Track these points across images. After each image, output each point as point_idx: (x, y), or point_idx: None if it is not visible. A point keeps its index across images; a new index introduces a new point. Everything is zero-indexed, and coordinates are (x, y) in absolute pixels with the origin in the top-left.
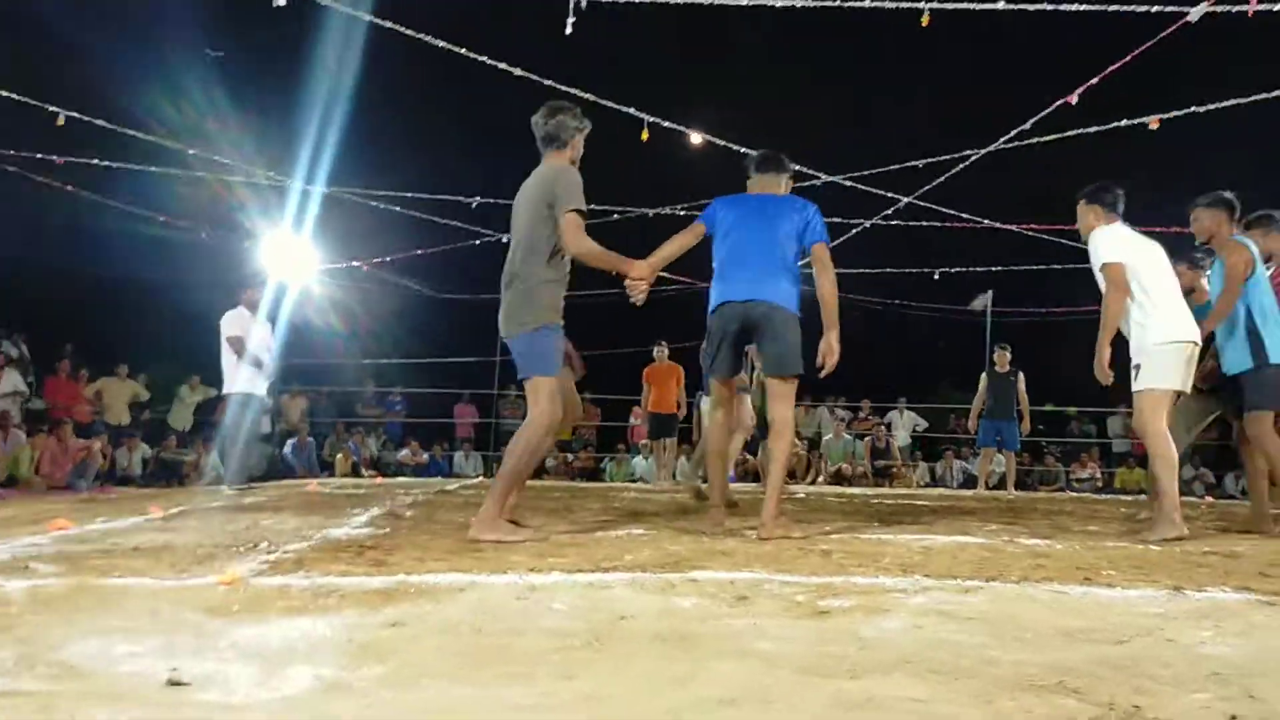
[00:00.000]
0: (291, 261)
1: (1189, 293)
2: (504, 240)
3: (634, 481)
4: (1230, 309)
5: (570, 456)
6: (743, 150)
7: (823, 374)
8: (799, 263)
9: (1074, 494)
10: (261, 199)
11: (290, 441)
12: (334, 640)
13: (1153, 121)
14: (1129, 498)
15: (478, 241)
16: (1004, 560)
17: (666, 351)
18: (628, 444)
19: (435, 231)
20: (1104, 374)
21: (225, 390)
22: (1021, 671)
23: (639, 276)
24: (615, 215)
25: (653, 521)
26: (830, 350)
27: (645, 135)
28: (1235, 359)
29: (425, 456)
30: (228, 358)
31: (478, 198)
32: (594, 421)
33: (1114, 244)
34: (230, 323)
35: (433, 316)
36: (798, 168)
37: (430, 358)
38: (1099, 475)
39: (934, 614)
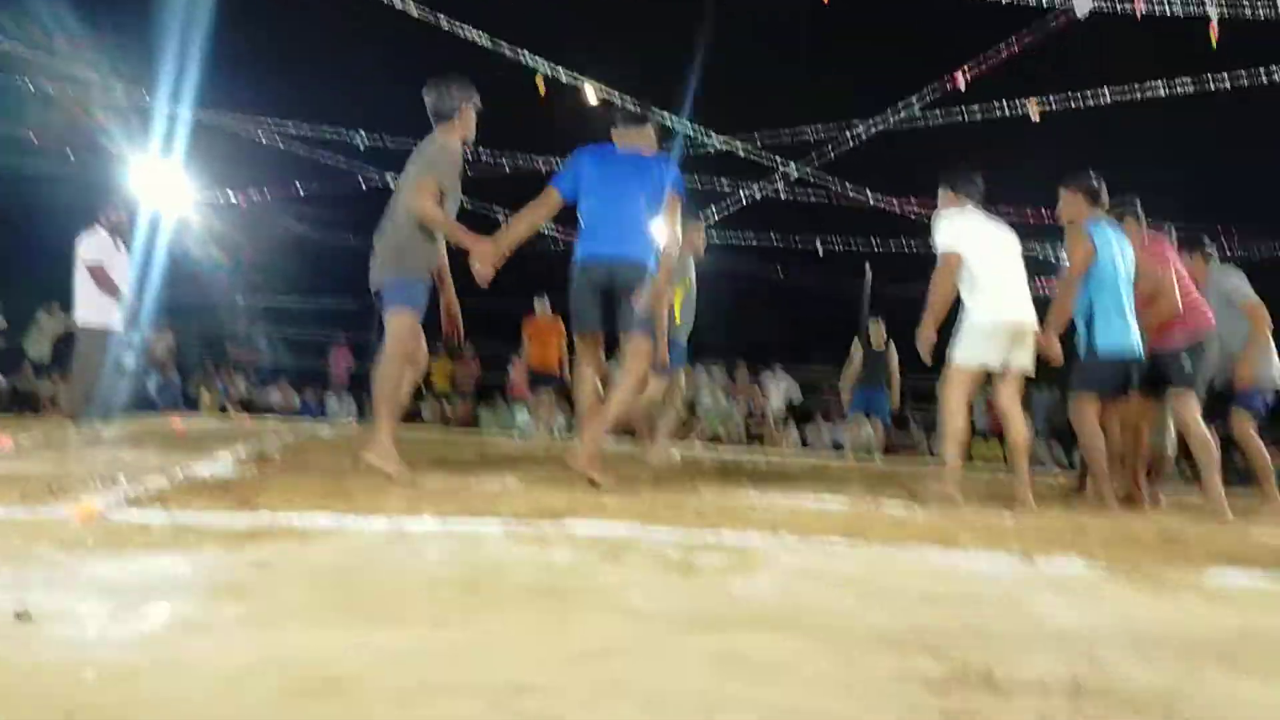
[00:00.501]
0: (162, 191)
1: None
2: (390, 181)
3: (512, 434)
4: (1066, 298)
5: (447, 407)
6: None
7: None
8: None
9: (935, 463)
10: (128, 123)
11: (155, 377)
12: (194, 579)
13: (1034, 109)
14: (984, 465)
15: (363, 183)
16: (868, 524)
17: (548, 304)
18: (506, 396)
19: (318, 171)
20: (925, 354)
21: (80, 321)
22: (881, 630)
23: (484, 261)
24: (508, 168)
25: (528, 474)
26: (659, 295)
27: (541, 87)
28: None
29: (297, 399)
30: (83, 285)
31: (361, 133)
32: (472, 372)
33: (951, 231)
34: (89, 246)
35: (313, 257)
36: (692, 131)
37: (307, 299)
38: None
39: (801, 573)
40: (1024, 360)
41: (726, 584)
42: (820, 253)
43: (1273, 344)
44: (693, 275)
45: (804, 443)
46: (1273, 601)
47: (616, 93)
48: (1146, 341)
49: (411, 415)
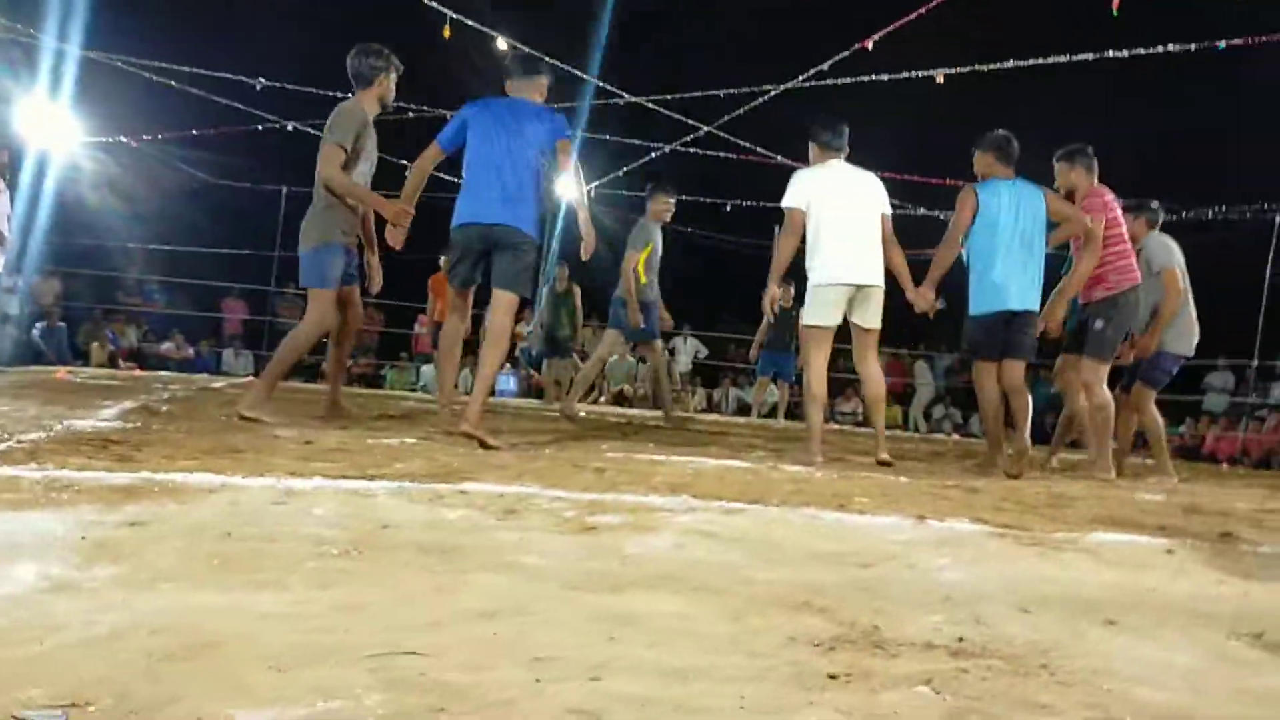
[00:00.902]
0: (49, 131)
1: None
2: (290, 128)
3: (415, 390)
4: (940, 256)
5: (350, 362)
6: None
7: (585, 256)
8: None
9: (837, 425)
10: (12, 59)
11: (39, 325)
12: (65, 537)
13: (939, 76)
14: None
15: (260, 127)
16: (767, 485)
17: None
18: (410, 352)
19: (213, 112)
20: (766, 310)
21: None
22: (774, 590)
23: (398, 220)
24: (410, 113)
25: (428, 431)
26: (588, 240)
27: (448, 32)
28: None
29: (191, 351)
30: None
31: (261, 80)
32: (376, 327)
33: (798, 188)
34: None
35: (208, 203)
36: (603, 84)
37: (202, 247)
38: (860, 410)
39: (698, 533)
40: (870, 319)
41: (622, 544)
42: (729, 210)
43: (1190, 312)
44: (658, 240)
45: (710, 403)
46: (1150, 561)
47: (525, 47)
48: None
49: (312, 370)
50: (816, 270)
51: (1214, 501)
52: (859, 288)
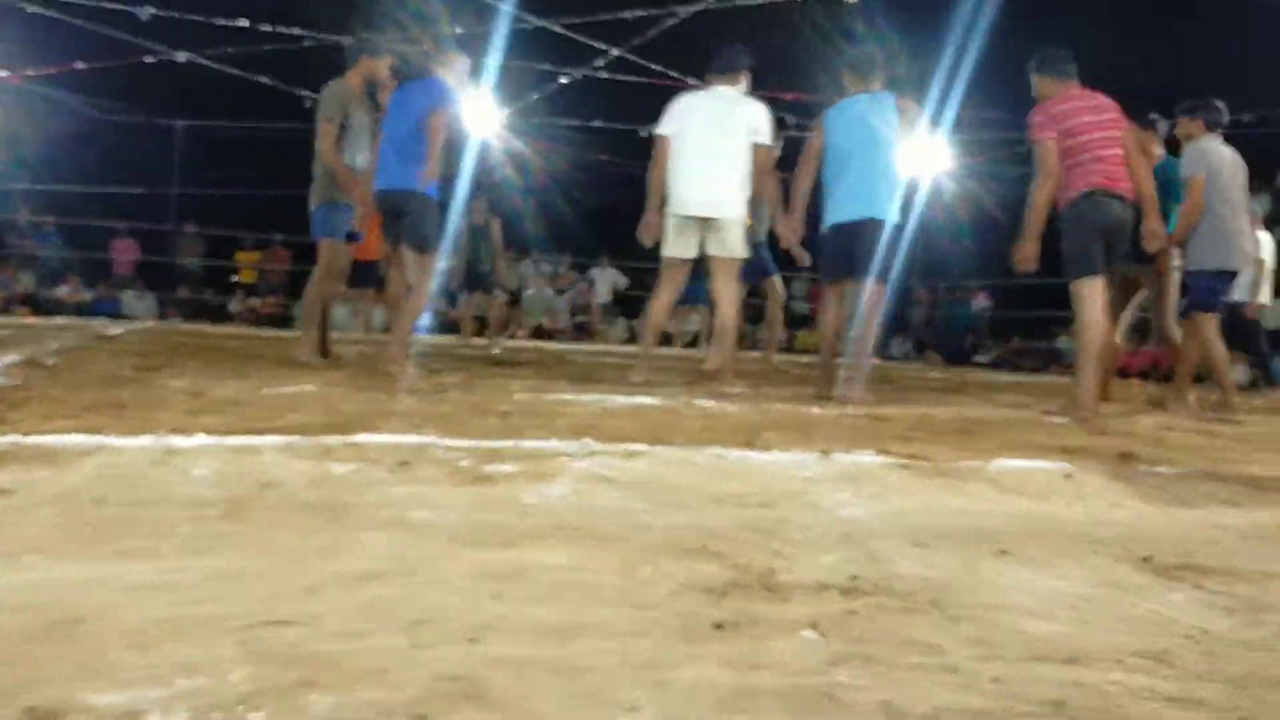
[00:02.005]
0: None
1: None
2: (179, 59)
3: None
4: (795, 183)
5: (256, 302)
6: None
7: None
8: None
9: (758, 353)
10: None
11: None
12: None
13: None
14: (807, 358)
15: (149, 59)
16: (676, 422)
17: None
18: None
19: (98, 44)
20: (642, 239)
21: None
22: (670, 536)
23: (363, 202)
24: (306, 41)
25: (330, 376)
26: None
27: None
28: None
29: (89, 295)
30: None
31: (150, 9)
32: (284, 265)
33: (666, 115)
34: None
35: (99, 141)
36: (508, 8)
37: (94, 186)
38: (783, 337)
39: (596, 479)
40: (718, 248)
41: (517, 494)
42: (645, 136)
43: (1228, 224)
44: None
45: (632, 335)
46: (1050, 487)
47: None
48: None
49: (218, 311)
50: (669, 201)
51: (1119, 421)
52: (704, 219)
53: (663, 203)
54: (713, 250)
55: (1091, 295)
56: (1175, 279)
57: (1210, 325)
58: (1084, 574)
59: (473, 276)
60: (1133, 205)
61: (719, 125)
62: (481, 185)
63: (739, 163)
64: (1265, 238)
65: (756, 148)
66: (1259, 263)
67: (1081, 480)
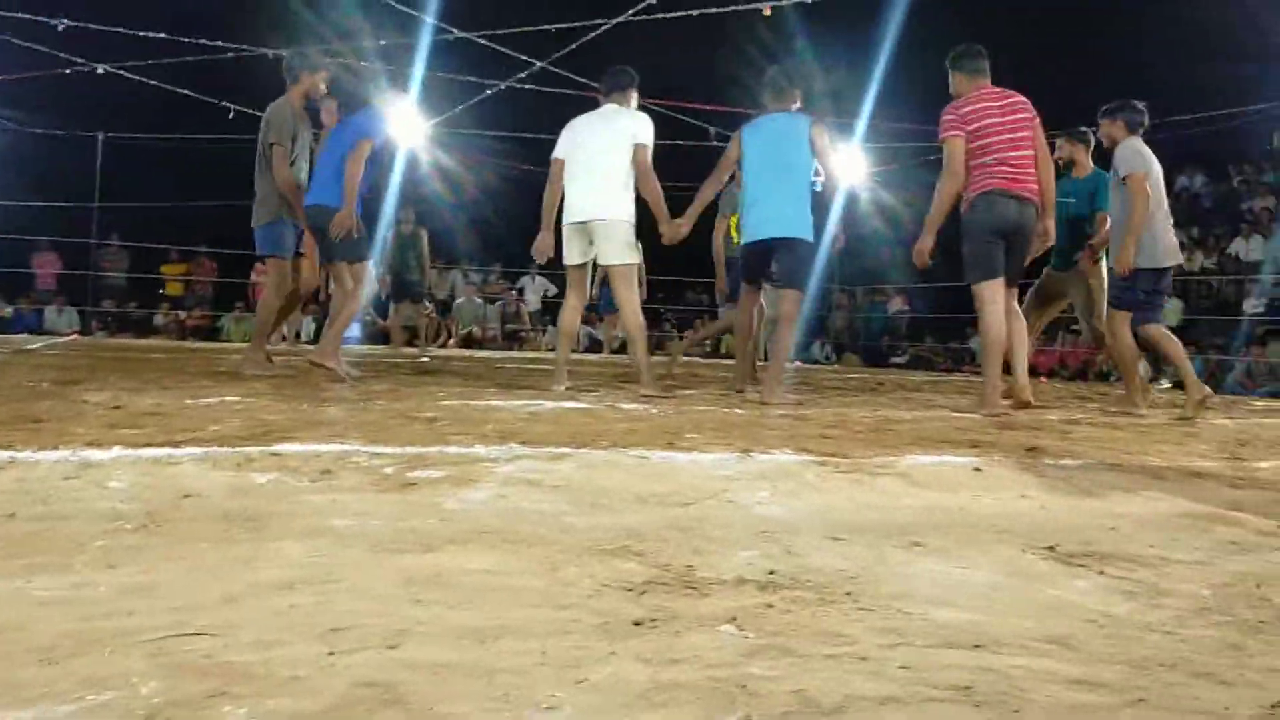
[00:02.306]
0: None
1: (1070, 165)
2: (99, 71)
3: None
4: (706, 191)
5: (182, 314)
6: None
7: (337, 236)
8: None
9: (686, 358)
10: None
11: None
12: None
13: (765, 8)
14: (730, 362)
15: (68, 71)
16: (602, 425)
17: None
18: (248, 302)
19: (15, 55)
20: (536, 255)
21: None
22: (593, 537)
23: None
24: (231, 53)
25: (255, 387)
26: (345, 219)
27: None
28: None
29: (9, 310)
30: None
31: (64, 20)
32: (210, 277)
33: (561, 137)
34: None
35: (17, 153)
36: (431, 20)
37: (13, 200)
38: (709, 341)
39: (521, 483)
40: (607, 257)
41: (440, 500)
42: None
43: (1158, 223)
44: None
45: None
46: (959, 481)
47: None
48: None
49: (143, 324)
50: (563, 213)
51: (1027, 416)
52: (585, 224)
53: (559, 220)
54: (601, 259)
55: (992, 297)
56: (1103, 280)
57: (1124, 322)
58: (991, 563)
59: (401, 286)
60: (1035, 205)
61: (601, 138)
62: (409, 196)
63: (618, 170)
64: None
65: (635, 148)
66: None
67: (990, 473)
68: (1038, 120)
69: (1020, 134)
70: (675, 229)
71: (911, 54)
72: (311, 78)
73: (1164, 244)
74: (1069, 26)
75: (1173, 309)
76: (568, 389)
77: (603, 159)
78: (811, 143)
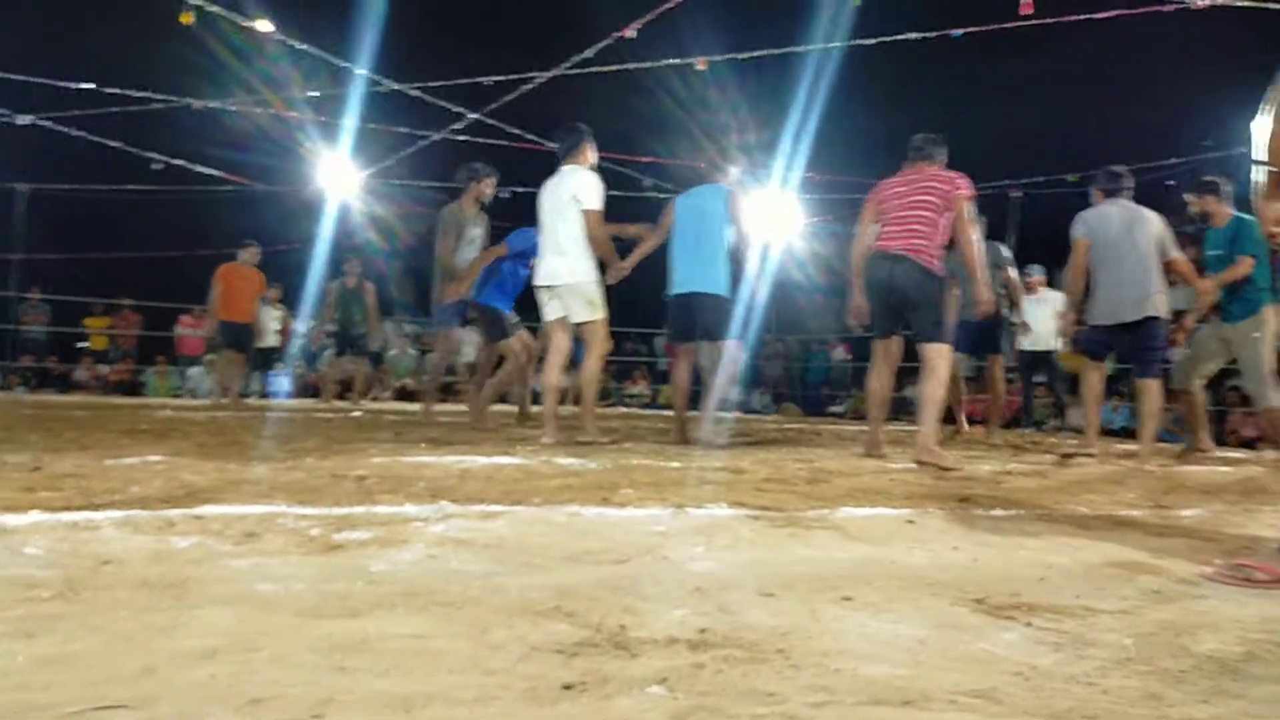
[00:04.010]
0: None
1: (1205, 217)
2: (21, 122)
3: (178, 397)
4: (645, 247)
5: (105, 369)
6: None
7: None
8: None
9: (625, 409)
10: None
11: None
12: None
13: (700, 63)
14: (669, 412)
15: None
16: (536, 481)
17: (258, 252)
18: (173, 354)
19: None
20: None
21: None
22: (524, 597)
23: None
24: (156, 104)
25: (179, 445)
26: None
27: (187, 18)
28: None
29: None
30: None
31: None
32: (133, 330)
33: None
34: None
35: None
36: (363, 72)
37: None
38: (648, 391)
39: (451, 543)
40: (573, 315)
41: (368, 561)
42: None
43: (1106, 280)
44: None
45: (500, 398)
46: (892, 533)
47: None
48: None
49: (64, 380)
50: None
51: (961, 466)
52: (550, 288)
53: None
54: (570, 318)
55: (874, 353)
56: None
57: (1092, 370)
58: (921, 616)
59: (345, 340)
60: (912, 260)
61: (551, 201)
62: (356, 248)
63: (569, 233)
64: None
65: (586, 214)
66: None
67: (922, 525)
68: (962, 193)
69: (918, 199)
70: (618, 274)
71: (843, 110)
72: (478, 186)
73: (1102, 300)
74: (993, 81)
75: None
76: (554, 443)
77: (556, 223)
78: (727, 211)
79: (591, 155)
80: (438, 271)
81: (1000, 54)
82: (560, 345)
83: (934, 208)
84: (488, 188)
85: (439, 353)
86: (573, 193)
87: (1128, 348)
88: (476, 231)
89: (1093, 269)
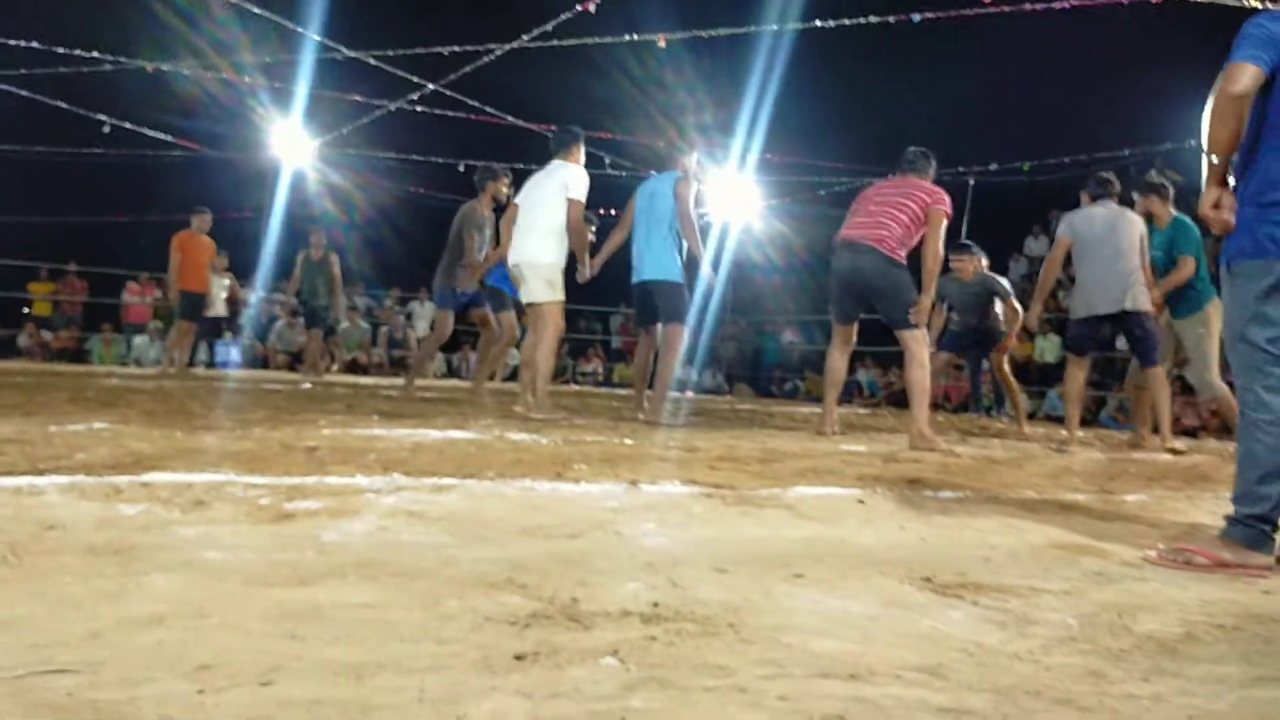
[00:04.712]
0: None
1: (1150, 218)
2: None
3: (124, 365)
4: (613, 240)
5: (48, 335)
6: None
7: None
8: None
9: (578, 386)
10: None
11: None
12: None
13: (660, 39)
14: (624, 391)
15: None
16: (488, 456)
17: (209, 219)
18: (118, 323)
19: None
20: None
21: None
22: (476, 570)
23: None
24: (107, 65)
25: (126, 413)
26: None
27: None
28: None
29: None
30: None
31: None
32: (79, 297)
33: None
34: None
35: None
36: (318, 38)
37: None
38: (600, 370)
39: (403, 515)
40: (527, 294)
41: (319, 532)
42: (463, 170)
43: (1084, 276)
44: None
45: (450, 369)
46: (843, 512)
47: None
48: None
49: (6, 345)
50: None
51: (910, 450)
52: (516, 265)
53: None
54: (524, 296)
55: (834, 338)
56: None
57: (1075, 366)
58: (870, 594)
59: (310, 312)
60: (874, 249)
61: (538, 190)
62: (313, 218)
63: (545, 217)
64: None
65: (570, 203)
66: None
67: (872, 505)
68: (940, 208)
69: (898, 200)
70: (588, 272)
71: (801, 91)
72: (494, 185)
73: (1083, 293)
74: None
75: (1051, 345)
76: (524, 417)
77: (537, 207)
78: (675, 192)
79: (580, 156)
80: (445, 259)
81: (959, 40)
82: (536, 323)
83: (909, 212)
84: (503, 186)
85: (435, 332)
86: (563, 181)
87: (1110, 341)
88: (490, 230)
89: (1076, 266)
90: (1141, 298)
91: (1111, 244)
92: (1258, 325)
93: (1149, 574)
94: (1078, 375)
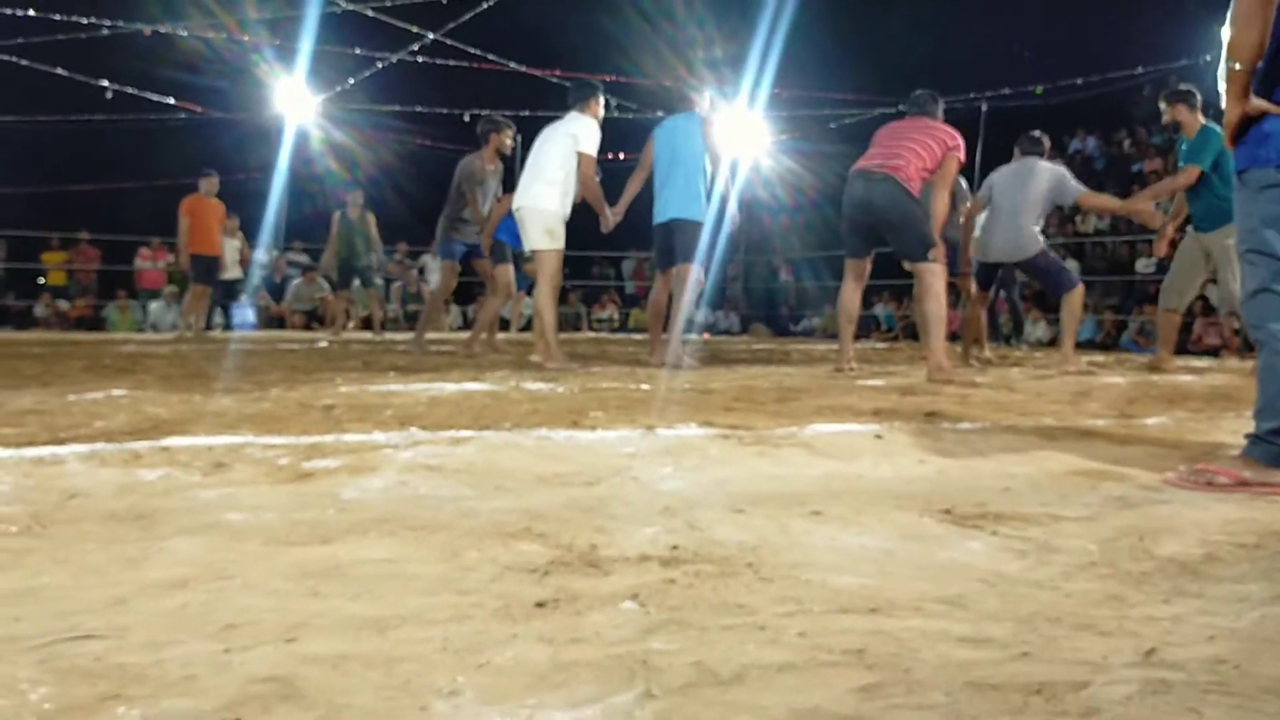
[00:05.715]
0: None
1: (1177, 127)
2: None
3: (141, 332)
4: (631, 186)
5: (65, 305)
6: None
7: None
8: None
9: (594, 333)
10: None
11: None
12: None
13: None
14: (639, 336)
15: None
16: (504, 407)
17: (216, 182)
18: (133, 289)
19: None
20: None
21: None
22: (495, 520)
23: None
24: (105, 29)
25: (143, 379)
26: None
27: None
28: None
29: None
30: None
31: None
32: (92, 265)
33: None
34: None
35: None
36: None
37: None
38: (616, 316)
39: (421, 469)
40: (528, 242)
41: (338, 489)
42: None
43: (990, 222)
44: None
45: (466, 321)
46: (860, 448)
47: None
48: None
49: (23, 316)
50: None
51: (927, 382)
52: (519, 209)
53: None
54: (525, 244)
55: (846, 272)
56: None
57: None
58: (889, 528)
59: (349, 270)
60: (890, 178)
61: (548, 140)
62: (317, 177)
63: (550, 165)
64: None
65: (580, 156)
66: None
67: (889, 440)
68: (954, 152)
69: (916, 137)
70: (611, 220)
71: (811, 21)
72: (496, 140)
73: (981, 242)
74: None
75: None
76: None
77: (545, 156)
78: (703, 138)
79: (598, 109)
80: (446, 216)
81: None
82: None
83: (927, 148)
84: (507, 139)
85: (441, 285)
86: (574, 133)
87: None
88: (492, 183)
89: (986, 214)
90: (1029, 245)
91: (1011, 199)
92: (1275, 231)
93: (1169, 496)
94: (977, 305)
